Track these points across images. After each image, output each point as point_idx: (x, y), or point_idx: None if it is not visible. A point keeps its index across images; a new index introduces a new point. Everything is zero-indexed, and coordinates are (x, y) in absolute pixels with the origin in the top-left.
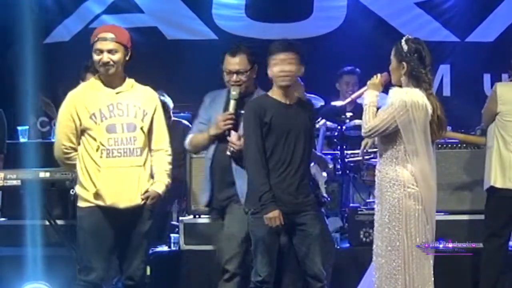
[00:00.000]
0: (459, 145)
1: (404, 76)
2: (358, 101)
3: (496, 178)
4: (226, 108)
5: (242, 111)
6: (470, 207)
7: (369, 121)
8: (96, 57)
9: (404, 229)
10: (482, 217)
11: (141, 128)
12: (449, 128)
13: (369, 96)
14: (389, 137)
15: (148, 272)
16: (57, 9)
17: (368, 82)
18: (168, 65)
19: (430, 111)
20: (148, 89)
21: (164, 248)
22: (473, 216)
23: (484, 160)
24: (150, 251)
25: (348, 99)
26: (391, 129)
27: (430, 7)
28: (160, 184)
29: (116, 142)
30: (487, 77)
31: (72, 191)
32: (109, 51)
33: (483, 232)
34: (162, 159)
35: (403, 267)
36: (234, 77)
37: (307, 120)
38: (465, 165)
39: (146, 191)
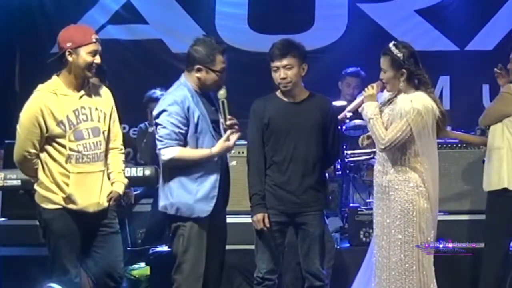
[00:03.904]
0: (459, 145)
1: (403, 82)
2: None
3: (511, 180)
4: (208, 104)
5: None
6: (470, 207)
7: (383, 134)
8: (90, 58)
9: (417, 229)
10: (482, 217)
11: (103, 132)
12: (449, 128)
13: (370, 108)
14: None
15: (148, 272)
16: (61, 18)
17: (364, 95)
18: (172, 77)
19: (437, 112)
20: (104, 88)
21: (164, 248)
22: (473, 216)
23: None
24: (150, 251)
25: (344, 113)
26: (407, 138)
27: (430, 14)
28: (120, 185)
29: (85, 148)
30: (486, 88)
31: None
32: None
33: (485, 233)
34: (117, 158)
35: (417, 267)
36: (224, 76)
37: (317, 117)
38: (465, 165)
39: (110, 193)
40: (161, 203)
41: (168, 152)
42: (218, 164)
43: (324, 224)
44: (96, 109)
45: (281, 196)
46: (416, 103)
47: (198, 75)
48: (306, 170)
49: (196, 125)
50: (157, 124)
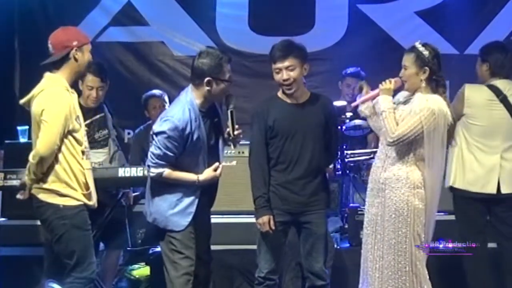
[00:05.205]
0: None
1: (423, 82)
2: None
3: (456, 178)
4: (209, 122)
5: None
6: None
7: (394, 128)
8: (90, 56)
9: (411, 230)
10: None
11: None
12: None
13: (384, 102)
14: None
15: (148, 272)
16: (62, 20)
17: (381, 87)
18: (174, 79)
19: (450, 119)
20: None
21: None
22: None
23: None
24: (150, 251)
25: (358, 101)
26: (417, 135)
27: (430, 16)
28: None
29: (88, 144)
30: None
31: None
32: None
33: (460, 233)
34: None
35: (410, 268)
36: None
37: (320, 118)
38: None
39: None
40: (145, 207)
41: (156, 171)
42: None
43: (326, 224)
44: (79, 109)
45: (285, 195)
46: (432, 103)
47: (208, 88)
48: (310, 170)
49: (190, 147)
50: (153, 138)
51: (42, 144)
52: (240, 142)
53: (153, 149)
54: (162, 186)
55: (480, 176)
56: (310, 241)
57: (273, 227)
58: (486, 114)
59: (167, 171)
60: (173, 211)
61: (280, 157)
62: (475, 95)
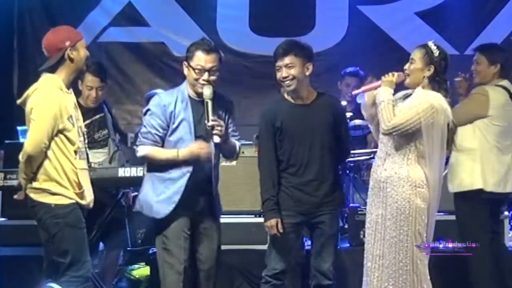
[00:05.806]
0: None
1: (426, 79)
2: (359, 101)
3: (487, 181)
4: (201, 111)
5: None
6: None
7: (390, 118)
8: (86, 52)
9: (412, 229)
10: None
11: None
12: None
13: (385, 93)
14: (405, 136)
15: (148, 272)
16: (63, 20)
17: (383, 79)
18: (175, 80)
19: (450, 117)
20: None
21: None
22: None
23: None
24: (150, 251)
25: (360, 90)
26: (413, 129)
27: (430, 17)
28: None
29: (82, 144)
30: None
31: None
32: None
33: (463, 235)
34: None
35: (411, 267)
36: (206, 75)
37: (328, 117)
38: None
39: None
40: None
41: (141, 150)
42: (189, 171)
43: (338, 223)
44: (77, 109)
45: (299, 197)
46: (431, 98)
47: (185, 72)
48: (322, 170)
49: (174, 130)
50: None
51: (29, 142)
52: (242, 142)
53: (141, 129)
54: (152, 173)
55: (502, 176)
56: (321, 240)
57: (281, 230)
58: (505, 114)
59: (150, 149)
60: (158, 198)
61: (291, 159)
62: (497, 96)
